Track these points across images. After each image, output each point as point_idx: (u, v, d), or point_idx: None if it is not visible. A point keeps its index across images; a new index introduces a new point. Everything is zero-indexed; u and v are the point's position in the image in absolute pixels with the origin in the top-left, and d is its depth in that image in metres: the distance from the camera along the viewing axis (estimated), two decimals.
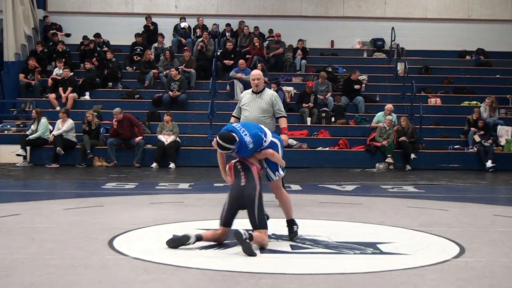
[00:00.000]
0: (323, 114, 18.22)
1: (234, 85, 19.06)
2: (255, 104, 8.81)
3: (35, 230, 7.15)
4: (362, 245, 6.66)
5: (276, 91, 18.33)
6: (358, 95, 18.99)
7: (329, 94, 18.90)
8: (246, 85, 18.69)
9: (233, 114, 9.23)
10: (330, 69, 20.58)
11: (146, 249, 6.29)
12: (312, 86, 18.60)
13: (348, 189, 12.07)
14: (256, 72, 8.92)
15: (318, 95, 18.60)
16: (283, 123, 9.02)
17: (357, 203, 9.99)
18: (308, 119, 18.13)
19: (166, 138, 16.30)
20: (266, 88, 8.99)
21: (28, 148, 16.32)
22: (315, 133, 17.69)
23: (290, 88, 19.41)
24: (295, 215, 7.17)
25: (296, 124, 18.15)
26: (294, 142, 17.10)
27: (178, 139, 16.52)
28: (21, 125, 17.65)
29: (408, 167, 16.39)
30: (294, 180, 13.44)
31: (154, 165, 16.05)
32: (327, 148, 17.16)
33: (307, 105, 18.22)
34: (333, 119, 18.20)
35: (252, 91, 8.88)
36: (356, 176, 14.60)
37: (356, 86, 18.95)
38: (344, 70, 20.98)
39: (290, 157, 16.57)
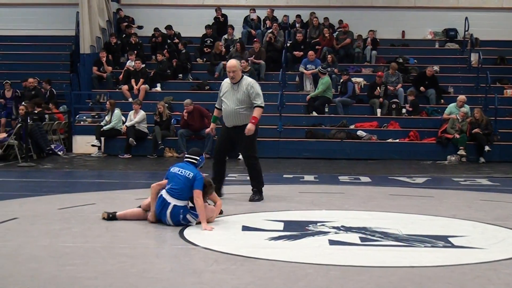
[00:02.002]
0: (393, 106, 17.96)
1: (303, 76, 19.01)
2: (232, 96, 8.71)
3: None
4: (433, 238, 6.56)
5: (346, 82, 18.28)
6: (430, 88, 18.61)
7: (400, 85, 18.61)
8: (315, 77, 18.64)
9: (216, 106, 9.18)
10: (401, 60, 20.24)
11: (216, 239, 6.36)
12: (382, 76, 18.37)
13: (419, 181, 11.88)
14: (231, 63, 8.72)
15: (388, 86, 18.35)
16: (255, 112, 8.72)
17: (427, 196, 9.83)
18: (378, 110, 17.91)
19: None
20: (244, 77, 8.81)
21: (102, 138, 16.72)
22: (385, 124, 17.46)
23: (360, 79, 19.21)
24: (366, 206, 7.11)
25: (366, 116, 17.96)
26: (364, 133, 16.93)
27: None
28: (96, 116, 18.07)
29: (482, 159, 15.99)
30: (364, 172, 13.33)
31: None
32: (397, 140, 16.91)
33: (377, 94, 17.94)
34: (404, 110, 17.91)
35: (231, 81, 8.78)
36: (426, 169, 14.35)
37: (421, 89, 18.46)
38: (416, 61, 20.61)
39: (360, 149, 16.61)
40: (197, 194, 6.89)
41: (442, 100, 18.35)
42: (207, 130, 9.36)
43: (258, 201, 8.82)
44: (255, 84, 8.80)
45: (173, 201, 6.91)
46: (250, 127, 8.66)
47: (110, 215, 7.16)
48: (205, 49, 20.79)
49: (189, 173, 6.99)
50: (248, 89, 8.67)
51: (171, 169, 7.15)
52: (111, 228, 6.58)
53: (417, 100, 18.01)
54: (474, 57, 20.32)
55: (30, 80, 18.22)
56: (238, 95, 8.68)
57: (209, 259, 5.59)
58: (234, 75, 8.64)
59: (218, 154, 9.14)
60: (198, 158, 7.27)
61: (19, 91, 18.57)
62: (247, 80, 8.80)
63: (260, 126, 17.24)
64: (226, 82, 8.86)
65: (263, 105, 8.77)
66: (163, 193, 7.01)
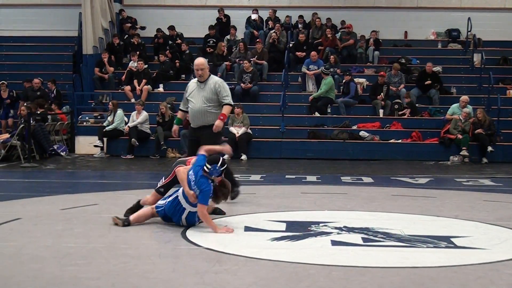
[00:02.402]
0: (396, 106, 17.95)
1: (306, 77, 19.01)
2: (199, 95, 8.48)
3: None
4: (436, 238, 6.55)
5: (348, 82, 18.26)
6: (432, 88, 18.60)
7: (402, 85, 18.60)
8: (318, 78, 18.64)
9: (180, 108, 9.02)
10: (403, 61, 20.23)
11: (218, 240, 6.36)
12: (385, 76, 18.37)
13: (421, 182, 11.87)
14: (200, 61, 8.54)
15: (390, 87, 18.34)
16: (224, 109, 8.49)
17: (430, 196, 9.82)
18: (381, 111, 17.90)
19: (237, 130, 16.39)
20: (211, 76, 8.62)
21: (105, 139, 16.73)
22: (388, 125, 17.45)
23: (363, 80, 19.21)
24: (368, 207, 7.09)
25: (368, 116, 17.96)
26: (366, 134, 16.93)
27: (249, 130, 16.58)
28: (99, 117, 18.09)
29: (485, 160, 15.97)
30: (366, 172, 13.32)
31: (226, 156, 16.13)
32: (400, 140, 16.90)
33: (380, 99, 17.94)
34: (400, 113, 17.88)
35: (198, 80, 8.59)
36: (429, 169, 14.34)
37: (427, 82, 18.48)
38: (418, 61, 20.60)
39: (362, 150, 16.60)
40: (200, 208, 6.72)
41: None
42: (174, 128, 9.01)
43: (234, 198, 8.56)
44: (222, 83, 8.62)
45: (188, 208, 6.80)
46: (218, 124, 8.41)
47: (126, 223, 6.93)
48: (207, 49, 20.79)
49: (195, 186, 6.76)
50: (216, 88, 8.46)
51: (189, 172, 6.88)
52: (114, 229, 6.58)
53: (413, 101, 17.99)
54: (477, 58, 20.30)
55: (36, 80, 18.24)
56: (205, 93, 8.45)
57: (212, 259, 5.59)
58: (202, 73, 8.44)
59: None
60: (210, 167, 6.80)
61: (15, 91, 18.62)
62: (215, 78, 8.63)
63: (262, 127, 17.58)
64: (193, 82, 8.68)
65: (232, 103, 8.62)
66: (179, 195, 6.85)
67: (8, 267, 5.33)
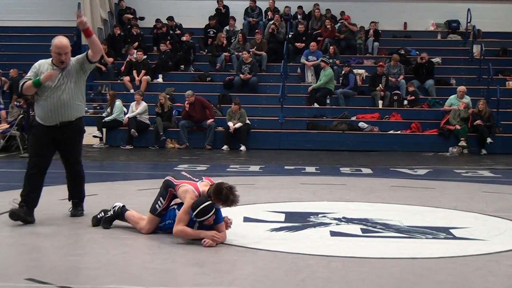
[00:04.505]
0: (395, 97, 17.94)
1: (305, 68, 18.99)
2: (62, 85, 6.76)
3: None
4: (434, 229, 6.56)
5: (347, 73, 18.24)
6: (430, 78, 18.59)
7: (402, 77, 18.59)
8: (317, 69, 18.62)
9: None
10: (402, 52, 20.21)
11: None
12: (384, 66, 18.36)
13: (420, 173, 11.88)
14: (64, 43, 6.86)
15: (389, 78, 18.33)
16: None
17: (429, 187, 9.83)
18: (380, 102, 17.90)
19: (233, 125, 16.22)
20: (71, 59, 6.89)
21: (104, 130, 16.72)
22: (387, 116, 17.45)
23: (362, 71, 19.21)
24: (367, 198, 7.08)
25: (368, 107, 17.97)
26: (365, 125, 16.93)
27: (248, 121, 16.56)
28: (98, 107, 18.08)
29: (484, 151, 15.98)
30: (365, 163, 13.32)
31: (225, 147, 16.19)
32: (399, 132, 16.91)
33: (379, 90, 17.92)
34: (405, 102, 17.89)
35: (57, 66, 6.79)
36: (428, 160, 14.35)
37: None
38: (417, 52, 20.55)
39: (361, 141, 16.61)
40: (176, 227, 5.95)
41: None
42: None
43: (82, 215, 6.99)
44: (74, 59, 7.00)
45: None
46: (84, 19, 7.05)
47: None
48: (209, 40, 20.76)
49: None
50: (76, 62, 6.93)
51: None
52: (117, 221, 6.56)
53: (417, 91, 17.99)
54: (476, 49, 20.29)
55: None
56: (69, 81, 6.79)
57: (211, 250, 5.60)
58: (66, 59, 6.76)
59: (40, 163, 6.76)
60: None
61: (4, 79, 18.52)
62: (72, 59, 6.93)
63: (261, 118, 17.57)
64: (47, 63, 6.82)
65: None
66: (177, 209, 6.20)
67: (7, 256, 5.34)
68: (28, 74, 6.78)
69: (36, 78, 6.64)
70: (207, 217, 5.73)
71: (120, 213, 6.46)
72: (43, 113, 6.73)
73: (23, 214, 6.48)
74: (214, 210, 5.77)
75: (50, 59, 6.83)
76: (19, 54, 20.67)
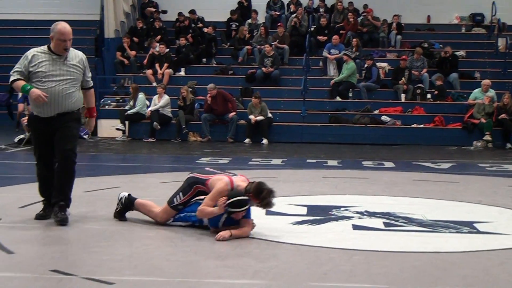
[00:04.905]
0: (418, 91, 17.82)
1: (327, 61, 18.92)
2: (59, 73, 6.33)
3: None
4: (458, 224, 6.53)
5: (370, 67, 18.15)
6: (454, 72, 18.44)
7: (425, 70, 18.44)
8: (339, 62, 18.54)
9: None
10: (426, 45, 20.04)
11: None
12: (407, 60, 18.25)
13: (444, 167, 11.80)
14: (68, 29, 6.47)
15: (413, 71, 18.21)
16: (92, 97, 6.82)
17: (452, 181, 9.77)
18: (402, 96, 17.79)
19: (254, 119, 16.20)
20: (71, 48, 6.46)
21: (127, 122, 16.81)
22: (410, 109, 17.34)
23: (384, 64, 19.08)
24: (389, 191, 7.06)
25: (390, 101, 17.87)
26: (388, 118, 16.85)
27: (270, 115, 16.54)
28: (121, 100, 18.16)
29: (509, 145, 15.80)
30: (388, 157, 13.26)
31: (247, 140, 16.20)
32: (422, 125, 16.80)
33: (402, 84, 17.80)
34: (428, 95, 17.77)
35: (56, 53, 6.38)
36: (452, 154, 14.25)
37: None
38: (441, 45, 20.36)
39: (384, 134, 16.52)
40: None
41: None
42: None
43: (66, 222, 6.22)
44: (84, 57, 6.60)
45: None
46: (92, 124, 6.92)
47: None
48: (232, 33, 20.77)
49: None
50: (83, 62, 6.47)
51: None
52: (136, 212, 6.60)
53: (444, 86, 17.85)
54: (501, 42, 20.08)
55: None
56: (70, 73, 6.36)
57: (233, 243, 5.61)
58: (70, 45, 6.35)
59: (44, 159, 6.46)
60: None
61: None
62: (76, 51, 6.53)
63: (283, 111, 17.57)
64: (42, 53, 6.39)
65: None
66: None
67: (32, 249, 5.40)
68: (18, 66, 6.31)
69: (28, 87, 6.16)
70: (239, 211, 5.76)
71: (129, 203, 6.46)
72: (39, 104, 6.24)
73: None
74: (247, 206, 5.79)
75: (45, 47, 6.40)
76: None
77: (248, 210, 5.88)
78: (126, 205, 6.46)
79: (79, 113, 6.69)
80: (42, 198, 6.48)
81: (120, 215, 6.49)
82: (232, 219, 5.83)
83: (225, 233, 5.71)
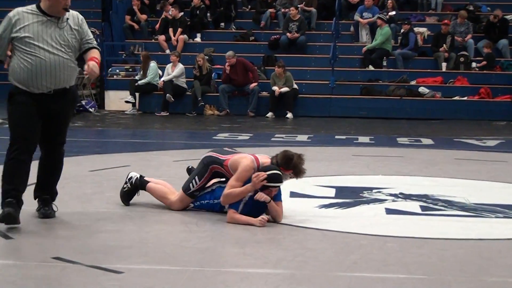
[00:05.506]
0: (461, 59, 17.65)
1: (359, 26, 18.79)
2: (51, 37, 5.57)
3: None
4: (506, 207, 6.50)
5: (407, 32, 17.99)
6: (503, 38, 18.21)
7: (469, 36, 18.24)
8: (373, 27, 18.40)
9: None
10: (471, 8, 19.81)
11: None
12: (449, 25, 18.07)
13: (490, 144, 11.74)
14: None
15: (455, 37, 18.02)
16: (96, 53, 5.76)
17: (500, 161, 9.72)
18: (444, 64, 17.65)
19: (278, 90, 16.12)
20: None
21: (137, 94, 16.85)
22: (451, 80, 17.21)
23: (423, 30, 18.92)
24: (427, 171, 7.02)
25: (429, 70, 17.74)
26: (427, 90, 16.74)
27: (295, 86, 16.50)
28: (130, 70, 18.19)
29: None
30: (426, 133, 13.21)
31: (269, 114, 16.19)
32: (465, 98, 16.68)
33: (443, 51, 17.66)
34: (474, 64, 17.59)
35: (48, 14, 5.62)
36: (500, 130, 14.16)
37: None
38: (489, 8, 20.11)
39: (422, 108, 16.42)
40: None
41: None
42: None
43: (54, 217, 5.90)
44: (81, 16, 5.85)
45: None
46: (95, 67, 5.60)
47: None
48: None
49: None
50: (79, 24, 5.72)
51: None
52: (146, 194, 6.65)
53: (493, 54, 17.64)
54: None
55: None
56: (64, 37, 5.62)
57: (254, 228, 5.61)
58: (69, 3, 5.63)
59: (23, 141, 5.56)
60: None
61: None
62: (72, 12, 5.75)
63: (309, 82, 17.52)
64: (30, 14, 5.59)
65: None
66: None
67: (35, 233, 5.43)
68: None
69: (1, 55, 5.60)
70: (275, 186, 5.70)
71: (140, 185, 6.38)
72: (26, 75, 5.51)
73: (17, 215, 5.45)
74: (282, 182, 5.76)
75: (33, 6, 5.65)
76: None
77: (279, 191, 5.85)
78: (136, 187, 6.41)
79: (76, 90, 6.22)
80: (11, 187, 5.51)
81: (127, 196, 6.39)
82: (251, 205, 5.75)
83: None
